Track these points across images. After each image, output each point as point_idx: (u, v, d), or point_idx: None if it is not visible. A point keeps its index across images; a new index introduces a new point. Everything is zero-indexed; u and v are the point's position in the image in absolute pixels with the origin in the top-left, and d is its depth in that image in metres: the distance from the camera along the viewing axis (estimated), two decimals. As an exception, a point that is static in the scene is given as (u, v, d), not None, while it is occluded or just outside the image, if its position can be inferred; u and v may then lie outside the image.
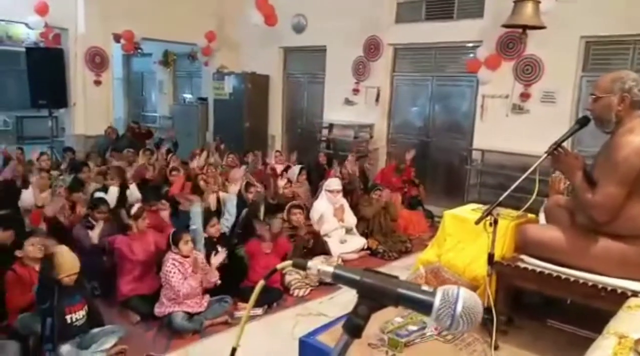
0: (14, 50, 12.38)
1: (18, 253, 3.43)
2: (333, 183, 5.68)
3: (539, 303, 2.85)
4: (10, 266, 3.43)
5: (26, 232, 3.91)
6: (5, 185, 5.32)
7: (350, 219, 5.60)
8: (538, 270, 2.42)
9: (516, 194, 2.42)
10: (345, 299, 4.38)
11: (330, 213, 5.47)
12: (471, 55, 7.29)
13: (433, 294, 0.74)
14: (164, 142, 8.03)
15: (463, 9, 7.23)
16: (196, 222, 4.25)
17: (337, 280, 0.80)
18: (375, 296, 0.76)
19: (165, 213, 4.57)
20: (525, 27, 6.01)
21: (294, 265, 0.83)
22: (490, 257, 2.38)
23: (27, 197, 4.85)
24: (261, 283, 0.87)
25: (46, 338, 3.03)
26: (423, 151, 8.01)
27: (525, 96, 6.68)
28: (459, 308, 0.74)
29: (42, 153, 6.61)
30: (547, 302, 2.77)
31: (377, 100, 8.19)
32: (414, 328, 2.31)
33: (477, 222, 2.29)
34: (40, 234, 3.67)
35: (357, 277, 0.77)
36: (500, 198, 2.32)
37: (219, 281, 3.96)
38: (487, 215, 2.30)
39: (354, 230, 5.61)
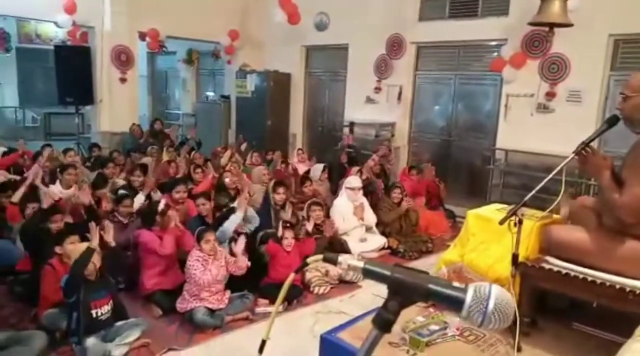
0: (43, 48, 12.69)
1: (58, 249, 3.47)
2: (354, 181, 5.66)
3: (563, 306, 2.81)
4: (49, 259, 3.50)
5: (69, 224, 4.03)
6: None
7: (370, 218, 5.57)
8: (563, 271, 2.38)
9: (541, 195, 2.39)
10: (365, 298, 4.39)
11: (350, 211, 5.46)
12: (495, 53, 7.20)
13: (464, 291, 0.74)
14: (189, 141, 8.10)
15: (488, 6, 7.14)
16: (230, 227, 4.26)
17: (368, 275, 0.80)
18: (405, 292, 0.76)
19: (204, 208, 4.60)
20: (552, 25, 5.90)
21: (325, 259, 0.83)
22: (515, 257, 2.35)
23: (54, 191, 4.96)
24: (292, 276, 0.88)
25: (72, 332, 3.11)
26: (445, 150, 7.96)
27: (550, 95, 6.57)
28: (491, 305, 0.74)
29: (68, 150, 6.76)
30: (572, 304, 2.73)
31: (399, 98, 8.15)
32: (436, 327, 2.30)
33: (502, 222, 2.26)
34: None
35: (388, 273, 0.77)
36: (526, 199, 2.29)
37: (248, 263, 3.95)
38: (511, 215, 2.27)
39: (374, 228, 5.59)
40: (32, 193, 4.37)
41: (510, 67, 6.77)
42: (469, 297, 0.73)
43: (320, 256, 0.85)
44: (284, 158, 7.66)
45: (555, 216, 2.83)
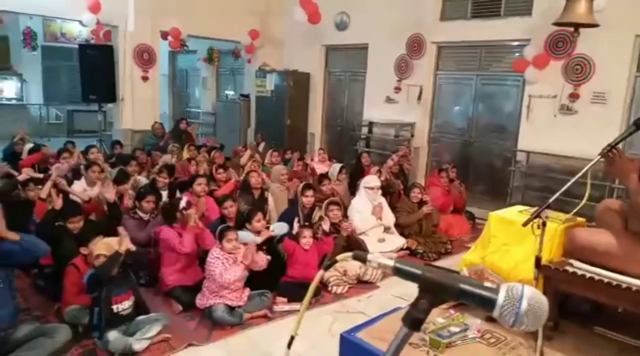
0: (67, 46, 12.95)
1: (83, 250, 3.51)
2: (372, 180, 5.63)
3: (585, 309, 2.76)
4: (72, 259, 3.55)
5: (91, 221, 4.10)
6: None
7: (389, 217, 5.54)
8: (588, 275, 2.35)
9: (563, 197, 2.35)
10: (383, 298, 4.38)
11: (368, 210, 5.44)
12: (517, 54, 7.11)
13: (496, 291, 0.73)
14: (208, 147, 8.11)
15: (511, 6, 7.05)
16: (246, 239, 4.26)
17: (398, 274, 0.80)
18: (436, 291, 0.76)
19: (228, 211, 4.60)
20: (577, 26, 5.80)
21: (355, 257, 0.84)
22: (538, 260, 2.32)
23: (78, 188, 5.05)
24: (320, 274, 0.88)
25: (94, 326, 3.17)
26: (465, 151, 7.89)
27: (574, 96, 6.46)
28: (524, 305, 0.73)
29: (91, 147, 6.87)
30: (596, 308, 2.69)
31: (419, 98, 8.11)
32: (456, 329, 2.28)
33: (525, 224, 2.23)
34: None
35: (419, 272, 0.77)
36: (550, 201, 2.25)
37: (268, 258, 3.96)
38: (535, 217, 2.24)
39: (393, 229, 5.56)
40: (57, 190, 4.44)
41: (533, 68, 6.68)
42: (501, 297, 0.73)
43: (350, 254, 0.85)
44: (301, 157, 7.68)
45: (579, 219, 2.78)
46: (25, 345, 2.93)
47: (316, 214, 5.03)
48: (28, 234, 3.17)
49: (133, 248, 3.38)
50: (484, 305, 0.74)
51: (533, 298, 0.74)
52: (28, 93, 12.83)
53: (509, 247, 2.63)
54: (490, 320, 2.47)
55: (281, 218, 5.22)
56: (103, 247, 3.26)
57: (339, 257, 0.88)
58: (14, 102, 12.43)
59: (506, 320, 0.73)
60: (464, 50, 7.82)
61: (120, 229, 3.44)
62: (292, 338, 0.97)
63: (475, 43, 7.53)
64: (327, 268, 0.87)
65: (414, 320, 0.75)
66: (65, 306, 3.47)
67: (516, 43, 7.12)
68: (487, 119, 7.69)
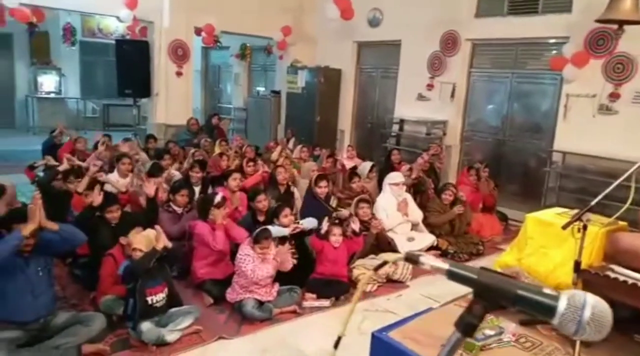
0: (103, 42, 13.25)
1: (122, 240, 3.59)
2: (396, 176, 5.57)
3: (626, 316, 2.67)
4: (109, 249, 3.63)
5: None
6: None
7: (416, 213, 5.47)
8: (630, 281, 2.27)
9: (604, 200, 2.28)
10: (412, 298, 4.35)
11: (393, 207, 5.38)
12: (554, 51, 6.93)
13: (556, 298, 0.71)
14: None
15: (549, 3, 6.87)
16: (275, 233, 4.28)
17: (452, 278, 0.78)
18: (491, 297, 0.74)
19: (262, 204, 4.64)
20: (622, 23, 5.60)
21: (407, 259, 0.82)
22: (577, 264, 2.26)
23: (112, 180, 5.16)
24: (369, 274, 0.87)
25: (128, 317, 3.24)
26: (498, 151, 7.73)
27: (614, 96, 6.25)
28: (587, 314, 0.71)
29: (127, 140, 7.02)
30: (636, 315, 2.59)
31: (452, 96, 7.99)
32: (491, 332, 2.24)
33: (565, 227, 2.17)
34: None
35: (475, 276, 0.75)
36: (592, 203, 2.19)
37: (294, 262, 3.99)
38: (576, 220, 2.18)
39: (422, 226, 5.49)
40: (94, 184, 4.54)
41: (572, 66, 6.49)
42: (562, 305, 0.71)
43: (402, 254, 0.84)
44: (331, 153, 7.67)
45: (621, 223, 2.69)
46: (63, 332, 3.02)
47: (333, 202, 5.04)
48: (66, 224, 3.27)
49: (169, 245, 3.45)
50: (543, 312, 0.72)
51: (596, 306, 0.71)
52: (66, 87, 13.18)
53: (547, 249, 2.57)
54: (526, 324, 2.41)
55: (302, 212, 5.25)
56: (143, 240, 3.31)
57: (389, 258, 0.87)
58: (53, 95, 12.79)
59: (567, 329, 0.71)
60: (499, 48, 7.66)
61: (157, 227, 3.49)
62: (339, 338, 0.97)
63: (511, 40, 7.36)
64: (377, 269, 0.86)
65: (467, 326, 0.74)
66: (100, 295, 3.56)
67: (554, 40, 6.93)
68: (522, 118, 7.53)
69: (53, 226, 2.95)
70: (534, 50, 7.29)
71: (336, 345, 0.96)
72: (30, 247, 2.93)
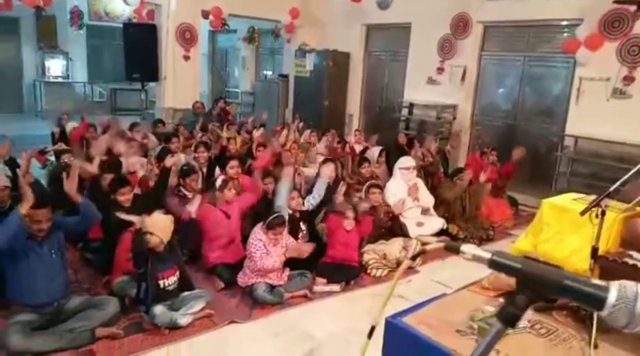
0: (110, 25, 13.16)
1: (136, 221, 3.55)
2: (406, 160, 5.52)
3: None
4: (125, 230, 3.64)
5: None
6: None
7: (427, 198, 5.44)
8: (648, 267, 2.24)
9: (620, 186, 2.24)
10: (423, 283, 4.34)
11: (404, 192, 5.35)
12: (567, 34, 6.81)
13: (606, 289, 0.68)
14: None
15: (563, -16, 6.73)
16: (281, 199, 4.29)
17: (495, 267, 0.76)
18: (537, 287, 0.71)
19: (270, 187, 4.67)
20: (640, 4, 5.48)
21: (447, 248, 0.80)
22: (595, 250, 2.22)
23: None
24: (406, 263, 0.85)
25: (140, 301, 3.25)
26: (509, 135, 7.66)
27: (628, 79, 6.15)
28: (640, 306, 0.68)
29: (135, 124, 6.99)
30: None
31: (462, 79, 7.90)
32: (506, 318, 2.23)
33: (583, 213, 2.14)
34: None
35: (519, 266, 0.73)
36: (611, 189, 2.15)
37: (313, 246, 3.98)
38: (594, 206, 2.14)
39: (432, 210, 5.46)
40: (107, 165, 4.54)
41: (585, 49, 6.38)
42: (612, 296, 0.68)
43: (441, 243, 0.81)
44: (340, 137, 7.60)
45: (639, 209, 2.65)
46: (77, 316, 3.05)
47: (341, 187, 5.00)
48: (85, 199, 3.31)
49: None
50: (591, 303, 0.69)
51: (650, 298, 0.68)
52: (73, 71, 13.14)
53: (563, 235, 2.54)
54: (541, 310, 2.39)
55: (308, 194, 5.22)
56: (161, 227, 3.27)
57: (428, 247, 0.84)
58: (60, 80, 12.76)
59: (617, 321, 0.68)
60: (511, 30, 7.55)
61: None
62: (373, 328, 0.95)
63: (523, 22, 7.24)
64: (414, 259, 0.83)
65: (510, 316, 0.71)
66: (116, 276, 3.57)
67: (566, 22, 6.81)
68: (534, 102, 7.44)
69: (78, 198, 3.09)
70: (546, 32, 7.18)
71: (370, 335, 0.94)
72: (44, 232, 2.95)
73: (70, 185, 3.13)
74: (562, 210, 2.60)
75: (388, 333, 2.35)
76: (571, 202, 2.67)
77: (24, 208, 2.84)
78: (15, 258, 2.88)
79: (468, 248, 0.77)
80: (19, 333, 2.78)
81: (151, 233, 3.16)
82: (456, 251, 0.78)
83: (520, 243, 2.86)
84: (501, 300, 2.40)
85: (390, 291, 0.90)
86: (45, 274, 2.98)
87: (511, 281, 2.36)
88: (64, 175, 3.22)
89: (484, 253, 0.76)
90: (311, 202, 4.76)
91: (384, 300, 0.92)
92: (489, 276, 2.64)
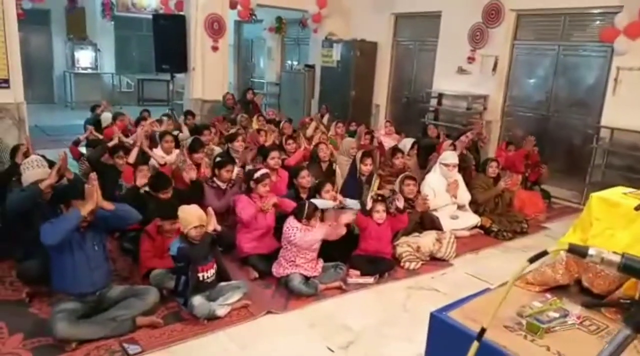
0: (137, 17, 13.30)
1: (158, 222, 3.70)
2: (450, 156, 5.43)
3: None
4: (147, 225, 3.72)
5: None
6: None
7: (464, 196, 5.36)
8: None
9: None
10: (457, 276, 4.31)
11: (442, 187, 5.29)
12: (602, 22, 6.61)
13: None
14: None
15: (601, -30, 6.53)
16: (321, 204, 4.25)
17: (626, 271, 0.73)
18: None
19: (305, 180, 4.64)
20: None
21: (571, 251, 0.77)
22: (648, 246, 2.16)
23: (158, 156, 5.21)
24: (524, 264, 0.82)
25: (179, 293, 3.30)
26: (542, 127, 7.49)
27: (670, 69, 5.95)
28: None
29: (165, 116, 7.05)
30: None
31: (494, 69, 7.74)
32: (555, 314, 2.17)
33: (638, 208, 2.07)
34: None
35: None
36: (670, 184, 2.07)
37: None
38: (650, 201, 2.08)
39: (467, 206, 5.40)
40: (142, 157, 4.60)
41: (624, 37, 6.18)
42: None
43: (565, 246, 0.78)
44: (368, 130, 7.55)
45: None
46: (119, 304, 3.11)
47: (375, 182, 4.97)
48: (115, 200, 3.34)
49: (219, 228, 3.49)
50: None
51: None
52: (102, 62, 13.33)
53: (614, 231, 2.47)
54: (589, 306, 2.34)
55: (343, 189, 5.20)
56: (196, 218, 3.31)
57: (551, 250, 0.81)
58: (89, 71, 12.97)
59: None
60: (545, 19, 7.36)
61: (209, 210, 3.51)
62: (483, 330, 0.93)
63: (557, 10, 7.05)
64: (533, 261, 0.80)
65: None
66: (143, 269, 3.66)
67: (601, 10, 6.61)
68: (568, 93, 7.25)
69: (109, 206, 3.06)
70: (581, 20, 6.98)
71: (479, 337, 0.92)
72: (86, 224, 3.01)
73: (92, 201, 2.98)
74: (613, 205, 2.53)
75: (433, 327, 2.33)
76: (622, 196, 2.59)
77: (85, 211, 2.91)
78: (61, 250, 2.94)
79: (597, 252, 0.74)
80: (65, 321, 2.84)
81: (195, 227, 3.23)
82: (583, 255, 0.75)
83: (567, 238, 2.78)
84: (548, 295, 2.37)
85: (504, 294, 0.87)
86: (88, 264, 3.03)
87: (557, 277, 2.30)
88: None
89: (614, 256, 0.73)
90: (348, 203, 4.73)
91: (496, 303, 0.90)
92: (532, 271, 2.60)
